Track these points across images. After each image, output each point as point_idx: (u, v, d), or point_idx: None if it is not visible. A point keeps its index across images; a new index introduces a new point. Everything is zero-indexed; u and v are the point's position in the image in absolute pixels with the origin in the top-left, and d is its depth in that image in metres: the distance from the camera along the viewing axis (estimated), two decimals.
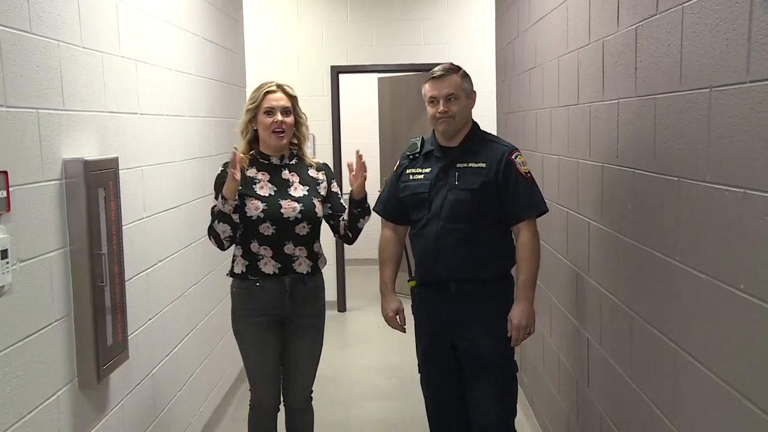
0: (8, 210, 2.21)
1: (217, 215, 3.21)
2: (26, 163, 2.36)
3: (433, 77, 3.21)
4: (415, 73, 7.87)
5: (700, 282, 1.96)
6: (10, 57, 2.28)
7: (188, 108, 4.23)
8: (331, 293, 6.90)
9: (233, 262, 3.36)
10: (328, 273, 5.85)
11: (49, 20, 2.54)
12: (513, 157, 3.17)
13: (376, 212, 3.47)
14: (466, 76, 3.24)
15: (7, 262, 2.18)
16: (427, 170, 3.27)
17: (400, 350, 6.15)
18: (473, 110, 3.31)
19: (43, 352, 2.44)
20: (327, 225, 3.47)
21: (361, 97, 9.58)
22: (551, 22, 3.75)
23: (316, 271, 3.38)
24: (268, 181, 3.31)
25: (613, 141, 2.74)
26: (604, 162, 2.87)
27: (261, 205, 3.24)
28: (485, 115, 5.34)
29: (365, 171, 3.27)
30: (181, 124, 4.09)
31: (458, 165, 3.21)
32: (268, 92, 3.29)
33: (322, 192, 3.41)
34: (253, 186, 3.28)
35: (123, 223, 3.06)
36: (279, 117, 3.27)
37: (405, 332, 3.42)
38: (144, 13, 3.52)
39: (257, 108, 3.29)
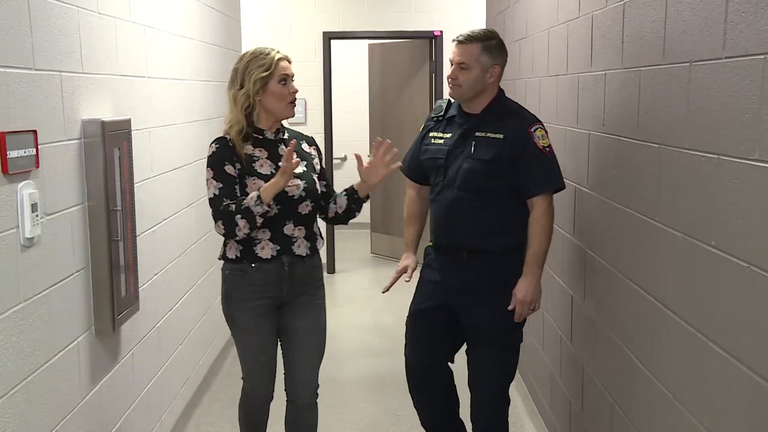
0: (37, 166, 2.37)
1: (244, 212, 2.88)
2: (51, 123, 2.51)
3: (456, 41, 3.14)
4: (404, 40, 8.00)
5: (676, 240, 2.16)
6: (38, 23, 2.43)
7: (190, 72, 4.37)
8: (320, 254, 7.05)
9: (225, 246, 3.09)
10: None
11: None
12: (532, 131, 3.07)
13: (401, 171, 3.35)
14: (489, 48, 3.12)
15: (37, 215, 2.34)
16: (448, 135, 3.21)
17: (391, 310, 6.34)
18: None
19: (65, 300, 2.61)
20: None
21: (353, 64, 9.66)
22: None
23: (314, 252, 3.14)
24: (267, 158, 3.03)
25: (600, 110, 2.92)
26: (591, 130, 3.05)
27: (264, 185, 2.92)
28: None
29: (388, 166, 3.08)
30: (185, 88, 4.23)
31: (477, 134, 3.13)
32: (280, 59, 3.00)
33: (317, 168, 3.18)
34: (252, 164, 3.00)
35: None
36: (294, 86, 3.05)
37: (408, 281, 3.32)
38: None
39: (270, 76, 2.97)
